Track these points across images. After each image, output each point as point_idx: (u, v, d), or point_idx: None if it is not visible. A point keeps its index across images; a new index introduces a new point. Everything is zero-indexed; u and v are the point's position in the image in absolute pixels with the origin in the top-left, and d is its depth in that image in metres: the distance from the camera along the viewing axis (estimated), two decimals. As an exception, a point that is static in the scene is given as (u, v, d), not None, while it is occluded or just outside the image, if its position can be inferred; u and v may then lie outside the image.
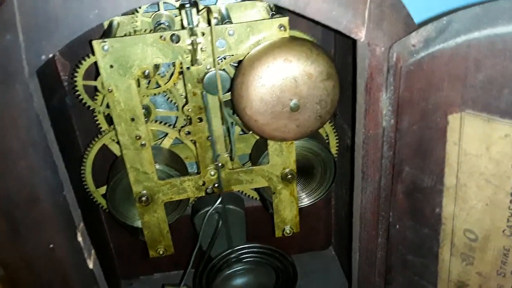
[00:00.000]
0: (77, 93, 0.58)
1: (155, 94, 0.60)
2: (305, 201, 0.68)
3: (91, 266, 0.52)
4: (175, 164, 0.63)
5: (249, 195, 0.71)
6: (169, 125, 0.63)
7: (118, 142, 0.62)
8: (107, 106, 0.57)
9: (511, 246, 0.41)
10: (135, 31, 0.56)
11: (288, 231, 0.67)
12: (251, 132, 0.61)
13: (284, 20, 0.52)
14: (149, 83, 0.58)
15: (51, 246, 0.50)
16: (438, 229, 0.46)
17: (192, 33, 0.50)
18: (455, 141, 0.40)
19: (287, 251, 0.71)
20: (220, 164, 0.61)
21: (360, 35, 0.43)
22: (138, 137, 0.57)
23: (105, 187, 0.65)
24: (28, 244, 0.49)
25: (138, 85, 0.56)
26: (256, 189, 0.69)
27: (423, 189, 0.46)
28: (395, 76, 0.42)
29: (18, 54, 0.40)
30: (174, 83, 0.59)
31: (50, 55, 0.41)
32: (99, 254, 0.68)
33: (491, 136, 0.38)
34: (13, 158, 0.44)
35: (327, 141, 0.67)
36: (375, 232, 0.54)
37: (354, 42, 0.47)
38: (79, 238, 0.50)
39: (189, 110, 0.57)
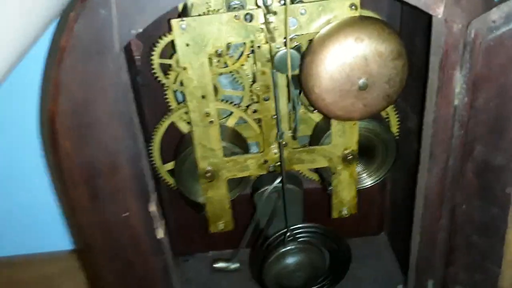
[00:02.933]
0: (153, 71, 0.61)
1: (221, 74, 0.62)
2: (365, 182, 0.68)
3: (161, 235, 0.55)
4: (238, 143, 0.65)
5: (307, 176, 0.72)
6: (234, 105, 0.65)
7: (187, 120, 0.65)
8: (181, 84, 0.59)
9: None
10: (208, 11, 0.58)
11: (345, 213, 0.68)
12: (314, 111, 0.63)
13: (356, -1, 0.53)
14: (218, 62, 0.60)
15: (127, 213, 0.52)
16: (507, 209, 0.46)
17: (268, 11, 0.51)
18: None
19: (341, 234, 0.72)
20: (283, 143, 0.62)
21: (438, 12, 0.44)
22: (207, 114, 0.59)
23: (169, 163, 0.68)
24: (106, 211, 0.52)
25: (210, 64, 0.58)
26: (316, 170, 0.70)
27: (495, 168, 0.46)
28: (472, 53, 0.43)
29: (110, 29, 0.43)
30: (242, 64, 0.61)
31: (140, 30, 0.43)
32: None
33: None
34: (99, 128, 0.47)
35: (388, 123, 0.67)
36: (439, 213, 0.55)
37: (428, 20, 0.47)
38: (152, 208, 0.53)
39: (257, 88, 0.59)
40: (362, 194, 0.73)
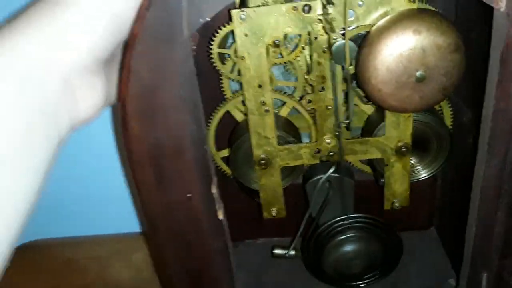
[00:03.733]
0: (212, 60, 0.63)
1: (276, 64, 0.64)
2: (418, 175, 0.69)
3: (221, 217, 0.57)
4: (292, 132, 0.67)
5: (358, 168, 0.73)
6: (287, 95, 0.66)
7: (240, 109, 0.67)
8: (238, 73, 0.62)
9: None
10: (267, 2, 0.60)
11: (397, 205, 0.69)
12: (369, 102, 0.64)
13: (414, -9, 0.53)
14: (273, 53, 0.62)
15: (189, 195, 0.55)
16: None
17: (328, 2, 0.53)
18: None
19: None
20: (338, 133, 0.64)
21: (501, 5, 0.44)
22: (263, 103, 0.61)
23: (223, 151, 0.71)
24: (170, 192, 0.55)
25: (267, 54, 0.60)
26: (368, 162, 0.71)
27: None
28: (535, 45, 0.43)
29: (180, 17, 0.45)
30: (297, 55, 0.62)
31: (208, 19, 0.46)
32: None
33: None
34: (165, 112, 0.50)
35: (441, 116, 0.68)
36: (495, 207, 0.55)
37: (489, 14, 0.47)
38: (213, 190, 0.55)
39: (313, 79, 0.61)
40: (412, 188, 0.73)
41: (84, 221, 1.16)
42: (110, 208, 1.13)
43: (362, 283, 0.74)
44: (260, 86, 0.60)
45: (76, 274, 1.08)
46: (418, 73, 0.53)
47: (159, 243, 0.59)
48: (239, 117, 0.68)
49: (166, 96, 0.49)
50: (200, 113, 0.51)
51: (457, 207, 0.63)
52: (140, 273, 1.06)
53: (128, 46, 0.47)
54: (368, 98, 0.59)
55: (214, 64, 0.64)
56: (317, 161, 0.66)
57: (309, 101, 0.63)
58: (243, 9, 0.55)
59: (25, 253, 1.10)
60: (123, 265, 1.08)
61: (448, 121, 0.68)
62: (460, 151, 0.68)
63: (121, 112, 0.50)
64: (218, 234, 0.59)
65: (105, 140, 0.98)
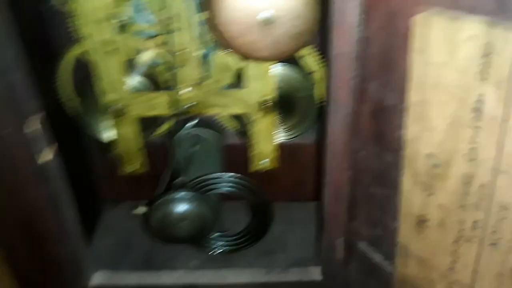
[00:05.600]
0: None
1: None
2: (284, 136, 0.64)
3: (41, 160, 0.51)
4: (151, 80, 0.60)
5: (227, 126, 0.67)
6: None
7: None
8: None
9: (474, 173, 0.36)
10: None
11: (266, 165, 0.64)
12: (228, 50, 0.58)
13: None
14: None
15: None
16: (401, 154, 0.41)
17: None
18: (419, 47, 0.35)
19: (274, 198, 0.67)
20: (198, 81, 0.58)
21: None
22: (108, 42, 0.54)
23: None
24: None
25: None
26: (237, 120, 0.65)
27: (387, 108, 0.41)
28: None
29: None
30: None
31: None
32: (83, 178, 0.66)
33: (457, 38, 0.33)
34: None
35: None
36: (345, 164, 0.50)
37: None
38: (26, 130, 0.49)
39: (168, 18, 0.54)
40: (296, 158, 0.69)
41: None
42: None
43: (229, 247, 0.69)
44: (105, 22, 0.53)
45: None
46: (265, 14, 0.48)
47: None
48: (90, 61, 0.61)
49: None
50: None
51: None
52: None
53: None
54: (221, 45, 0.53)
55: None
56: (175, 111, 0.60)
57: (164, 43, 0.57)
58: None
59: None
60: None
61: (319, 79, 0.62)
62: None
63: None
64: (42, 180, 0.52)
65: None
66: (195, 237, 0.64)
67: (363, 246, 0.52)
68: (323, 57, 0.59)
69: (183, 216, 0.62)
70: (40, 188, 0.53)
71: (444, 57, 0.34)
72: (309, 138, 0.72)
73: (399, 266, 0.48)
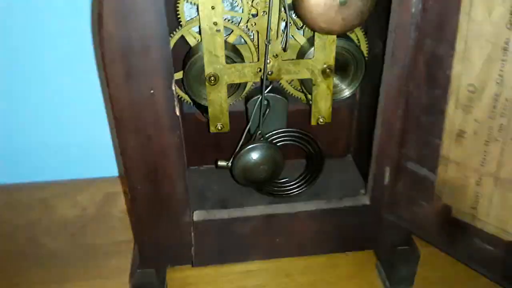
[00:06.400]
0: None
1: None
2: (340, 95, 0.83)
3: (177, 113, 0.68)
4: (238, 57, 0.79)
5: (293, 94, 0.86)
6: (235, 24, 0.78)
7: (194, 35, 0.77)
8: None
9: (501, 92, 0.57)
10: None
11: (321, 120, 0.83)
12: (302, 28, 0.77)
13: None
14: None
15: (152, 91, 0.65)
16: (447, 88, 0.62)
17: None
18: (466, 11, 0.56)
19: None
20: (275, 54, 0.76)
21: None
22: (215, 23, 0.72)
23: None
24: (136, 88, 0.65)
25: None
26: (301, 87, 0.84)
27: (438, 56, 0.61)
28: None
29: None
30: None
31: None
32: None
33: (493, 2, 0.54)
34: (136, 12, 0.59)
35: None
36: (396, 105, 0.70)
37: None
38: (173, 87, 0.66)
39: (257, 4, 0.73)
40: (333, 119, 0.88)
41: (26, 169, 1.21)
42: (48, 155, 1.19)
43: (291, 192, 0.88)
44: (213, 8, 0.71)
45: (19, 213, 1.12)
46: (341, -3, 0.68)
47: (123, 136, 0.68)
48: (192, 42, 0.79)
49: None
50: (164, 16, 0.61)
51: (371, 136, 0.78)
52: (85, 211, 1.13)
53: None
54: (301, 21, 0.72)
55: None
56: (258, 79, 0.78)
57: (254, 24, 0.75)
58: None
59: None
60: (68, 204, 1.15)
61: (364, 50, 0.83)
62: (374, 81, 0.83)
63: (98, 10, 0.59)
64: (174, 129, 0.69)
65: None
66: (269, 179, 0.83)
67: (410, 165, 0.72)
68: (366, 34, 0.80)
69: (260, 162, 0.80)
70: (173, 136, 0.69)
71: (484, 16, 0.55)
72: (343, 102, 0.93)
73: (440, 173, 0.68)
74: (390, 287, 0.91)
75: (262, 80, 0.78)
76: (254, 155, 0.80)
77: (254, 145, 0.79)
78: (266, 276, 0.95)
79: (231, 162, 0.81)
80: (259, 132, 0.81)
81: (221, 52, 0.75)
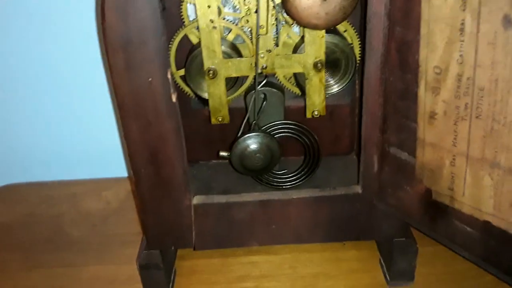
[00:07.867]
0: (173, -14, 0.82)
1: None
2: (332, 89, 0.88)
3: (174, 100, 0.75)
4: (236, 52, 0.86)
5: (289, 89, 0.92)
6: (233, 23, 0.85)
7: (196, 34, 0.85)
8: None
9: (463, 71, 0.60)
10: None
11: (316, 113, 0.88)
12: (293, 25, 0.83)
13: None
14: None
15: (150, 79, 0.73)
16: (417, 72, 0.65)
17: None
18: (426, -3, 0.60)
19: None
20: (268, 49, 0.83)
21: None
22: (211, 21, 0.80)
23: (181, 70, 0.89)
24: (135, 77, 0.73)
25: (215, -17, 0.79)
26: (296, 82, 0.90)
27: (407, 42, 0.65)
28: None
29: None
30: (239, -10, 0.82)
31: None
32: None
33: (447, -12, 0.58)
34: (135, 6, 0.68)
35: (351, 45, 0.88)
36: (377, 92, 0.74)
37: None
38: (168, 76, 0.73)
39: (249, 2, 0.80)
40: (335, 116, 0.93)
41: (58, 169, 1.32)
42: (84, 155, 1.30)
43: (290, 184, 0.92)
44: (209, 7, 0.79)
45: (50, 206, 1.23)
46: (322, -7, 0.73)
47: (126, 122, 0.76)
48: (194, 40, 0.87)
49: (136, -6, 0.67)
50: (158, 12, 0.69)
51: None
52: (108, 205, 1.22)
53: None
54: (289, 16, 0.78)
55: (175, -9, 0.83)
56: (253, 73, 0.85)
57: (247, 21, 0.82)
58: None
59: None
60: (94, 199, 1.24)
61: (357, 48, 0.88)
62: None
63: (101, 5, 0.68)
64: (172, 115, 0.76)
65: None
66: (266, 168, 0.88)
67: (393, 150, 0.75)
68: (355, 30, 0.85)
69: (257, 151, 0.86)
70: (170, 121, 0.76)
71: (441, 0, 0.59)
72: (344, 100, 0.98)
73: (419, 156, 0.71)
74: (390, 281, 0.92)
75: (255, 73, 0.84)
76: (250, 144, 0.86)
77: (249, 134, 0.85)
78: (270, 267, 1.00)
79: (230, 151, 0.87)
80: (254, 122, 0.87)
81: (218, 48, 0.82)
